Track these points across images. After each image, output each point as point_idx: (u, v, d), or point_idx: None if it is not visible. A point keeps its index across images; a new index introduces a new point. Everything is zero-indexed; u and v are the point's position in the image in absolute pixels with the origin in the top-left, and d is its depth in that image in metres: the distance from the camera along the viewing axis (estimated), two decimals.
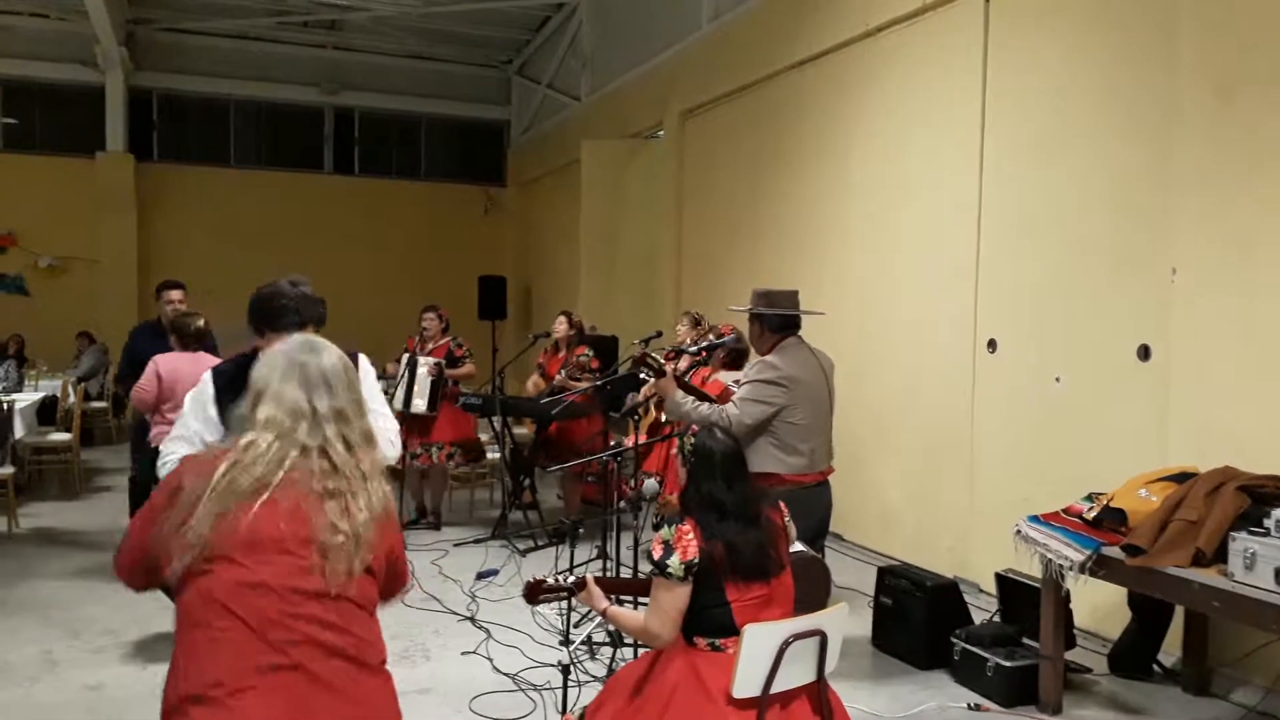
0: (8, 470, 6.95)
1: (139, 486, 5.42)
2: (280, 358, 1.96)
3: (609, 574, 5.13)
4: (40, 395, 8.99)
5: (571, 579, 2.96)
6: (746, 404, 3.96)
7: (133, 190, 13.26)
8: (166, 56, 13.59)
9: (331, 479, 1.86)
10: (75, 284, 13.13)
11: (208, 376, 2.89)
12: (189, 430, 2.83)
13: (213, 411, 2.83)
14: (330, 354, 2.00)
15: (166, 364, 4.93)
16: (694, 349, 4.93)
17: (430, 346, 7.36)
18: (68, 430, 8.54)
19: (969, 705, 4.17)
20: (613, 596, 2.99)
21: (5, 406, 7.19)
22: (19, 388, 8.76)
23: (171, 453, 2.82)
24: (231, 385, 2.64)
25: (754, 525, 2.72)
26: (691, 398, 4.19)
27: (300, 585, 1.78)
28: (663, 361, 4.27)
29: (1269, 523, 3.33)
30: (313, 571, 1.79)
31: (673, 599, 2.66)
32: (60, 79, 13.20)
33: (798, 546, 3.21)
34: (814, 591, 3.30)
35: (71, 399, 8.94)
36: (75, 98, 13.35)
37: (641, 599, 2.94)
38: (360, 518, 1.85)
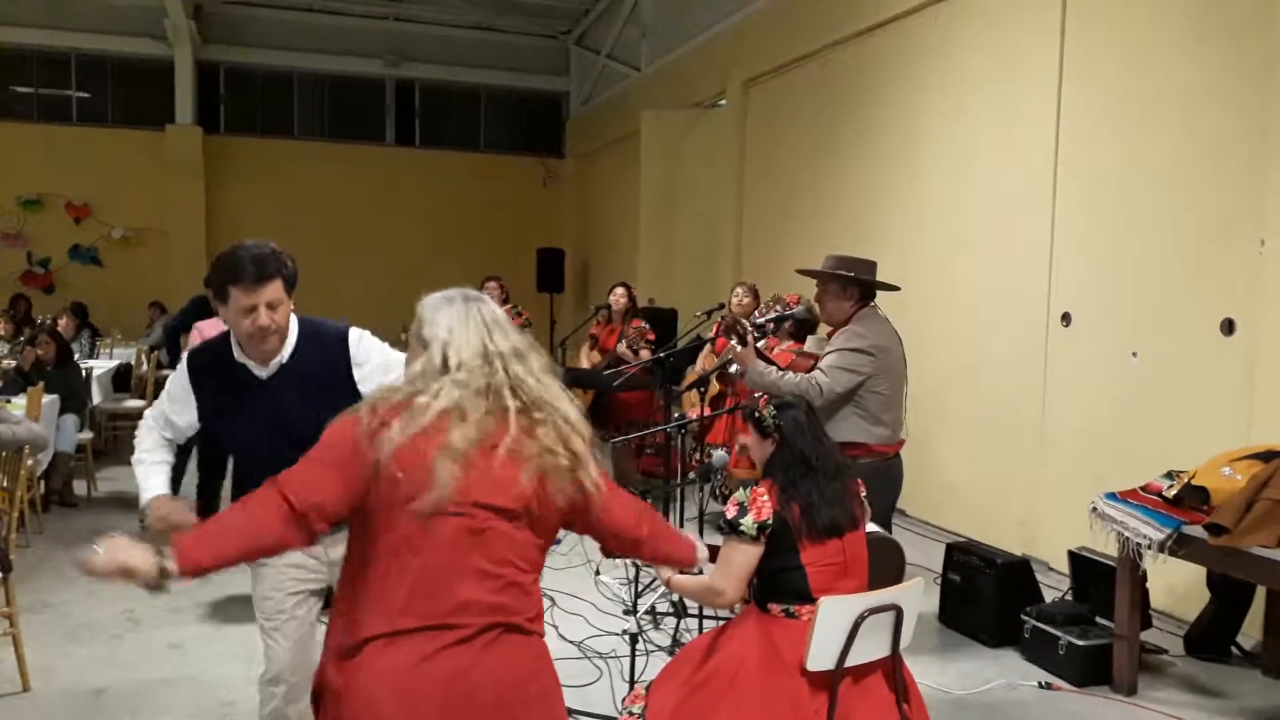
0: (87, 435, 7.18)
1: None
2: (449, 303, 1.93)
3: None
4: (116, 363, 9.28)
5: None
6: (836, 372, 3.91)
7: (201, 162, 13.52)
8: (232, 30, 13.79)
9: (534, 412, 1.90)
10: (147, 254, 13.46)
11: (183, 364, 2.82)
12: (158, 411, 2.78)
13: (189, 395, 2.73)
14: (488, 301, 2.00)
15: (204, 329, 5.23)
16: (764, 320, 4.86)
17: None
18: (142, 397, 8.77)
19: (1040, 684, 4.11)
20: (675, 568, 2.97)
21: (84, 374, 7.43)
22: (92, 355, 9.07)
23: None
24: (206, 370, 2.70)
25: (836, 478, 2.76)
26: (774, 367, 4.17)
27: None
28: (749, 329, 4.23)
29: None
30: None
31: (742, 557, 2.68)
32: (131, 53, 13.49)
33: (871, 526, 3.17)
34: (887, 571, 3.25)
35: (145, 367, 9.18)
36: (145, 71, 13.62)
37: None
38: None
